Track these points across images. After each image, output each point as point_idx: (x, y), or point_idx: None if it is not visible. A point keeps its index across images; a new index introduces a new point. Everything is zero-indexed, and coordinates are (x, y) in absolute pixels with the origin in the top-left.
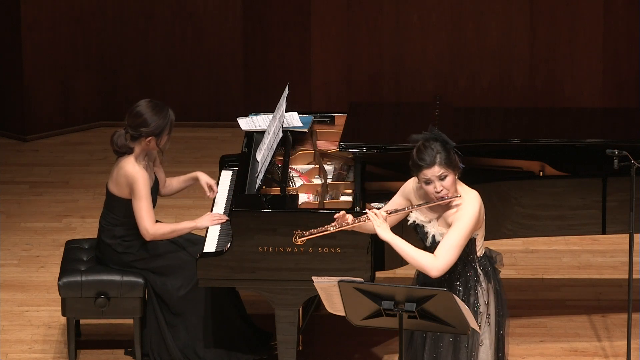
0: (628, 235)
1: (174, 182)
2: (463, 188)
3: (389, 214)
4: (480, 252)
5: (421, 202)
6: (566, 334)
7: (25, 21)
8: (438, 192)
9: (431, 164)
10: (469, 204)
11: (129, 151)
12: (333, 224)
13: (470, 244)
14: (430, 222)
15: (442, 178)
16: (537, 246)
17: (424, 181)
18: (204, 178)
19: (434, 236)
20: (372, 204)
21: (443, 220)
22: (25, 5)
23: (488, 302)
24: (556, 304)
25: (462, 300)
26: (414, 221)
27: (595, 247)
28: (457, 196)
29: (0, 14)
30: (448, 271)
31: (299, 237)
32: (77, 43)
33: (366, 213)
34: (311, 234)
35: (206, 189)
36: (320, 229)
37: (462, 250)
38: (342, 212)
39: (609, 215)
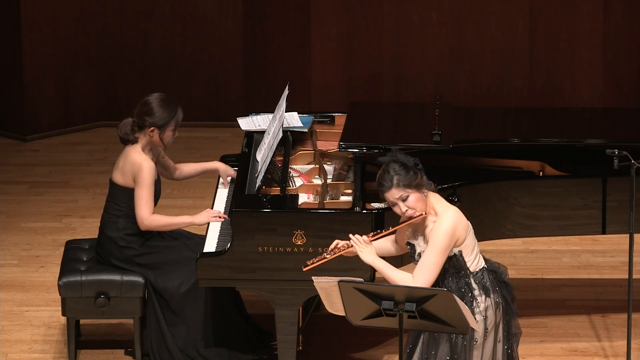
0: (628, 235)
1: (187, 168)
2: (442, 205)
3: (372, 237)
4: (474, 266)
5: (398, 223)
6: (566, 334)
7: (25, 21)
8: (404, 213)
9: (389, 188)
10: (442, 222)
11: (133, 140)
12: (329, 251)
13: (457, 260)
14: (417, 240)
15: (404, 199)
16: (537, 246)
17: (390, 204)
18: (224, 169)
19: (419, 254)
20: (372, 204)
21: (425, 238)
22: (25, 5)
23: (486, 316)
24: (556, 304)
25: None
26: (408, 239)
27: (595, 247)
28: (422, 214)
29: (0, 14)
30: (442, 287)
31: (304, 267)
32: (77, 43)
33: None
34: (313, 263)
35: (226, 180)
36: (319, 257)
37: (440, 268)
38: (336, 241)
39: (609, 215)
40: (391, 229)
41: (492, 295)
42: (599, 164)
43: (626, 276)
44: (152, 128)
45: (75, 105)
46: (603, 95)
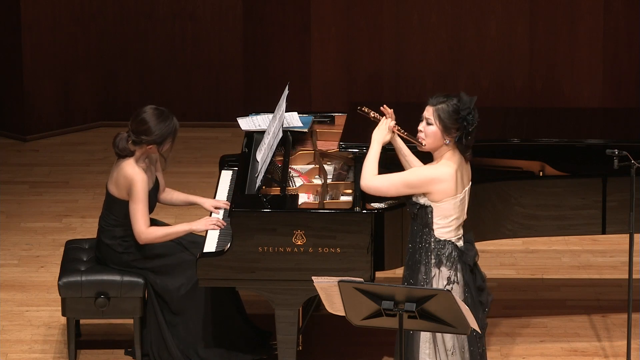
0: (628, 235)
1: (175, 196)
2: (447, 162)
3: (397, 130)
4: (440, 233)
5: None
6: (566, 334)
7: (25, 21)
8: (419, 131)
9: (431, 105)
10: (432, 166)
11: (129, 154)
12: (383, 116)
13: (426, 214)
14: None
15: (428, 123)
16: (537, 246)
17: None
18: (209, 204)
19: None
20: (372, 204)
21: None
22: (25, 5)
23: (430, 286)
24: (556, 304)
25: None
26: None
27: (595, 247)
28: (421, 144)
29: (0, 14)
30: (415, 235)
31: (359, 109)
32: (77, 43)
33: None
34: (368, 111)
35: (214, 210)
36: (374, 112)
37: (397, 192)
38: (369, 110)
39: (609, 215)
40: (407, 136)
41: (442, 268)
42: (599, 164)
43: (626, 276)
44: (151, 146)
45: (75, 105)
46: (603, 95)
